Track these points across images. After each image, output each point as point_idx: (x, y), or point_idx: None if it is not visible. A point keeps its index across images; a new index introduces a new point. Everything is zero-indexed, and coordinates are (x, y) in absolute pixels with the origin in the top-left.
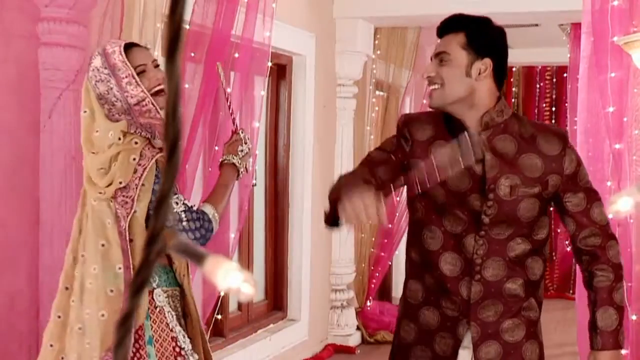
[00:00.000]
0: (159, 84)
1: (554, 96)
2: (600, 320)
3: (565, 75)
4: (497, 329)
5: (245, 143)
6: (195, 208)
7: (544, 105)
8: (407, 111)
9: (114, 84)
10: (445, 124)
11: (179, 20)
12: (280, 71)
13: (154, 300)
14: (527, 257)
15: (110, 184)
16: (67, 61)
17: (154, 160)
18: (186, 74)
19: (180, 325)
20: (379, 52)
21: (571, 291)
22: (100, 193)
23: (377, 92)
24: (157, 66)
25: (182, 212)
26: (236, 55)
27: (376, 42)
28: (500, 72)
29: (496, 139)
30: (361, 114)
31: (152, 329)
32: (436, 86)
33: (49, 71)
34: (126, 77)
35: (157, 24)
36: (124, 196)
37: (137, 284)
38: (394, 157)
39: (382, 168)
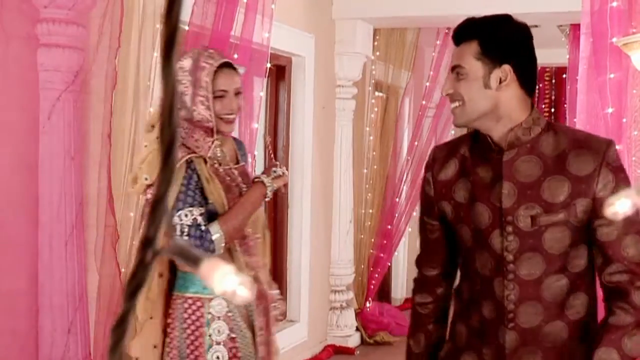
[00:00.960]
0: (231, 113)
1: (553, 97)
2: None
3: (564, 76)
4: None
5: (280, 168)
6: (203, 226)
7: (544, 106)
8: (406, 111)
9: (189, 94)
10: (474, 143)
11: (175, 22)
12: (280, 72)
13: (211, 309)
14: (568, 296)
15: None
16: (66, 62)
17: (183, 161)
18: None
19: (253, 333)
20: (378, 53)
21: None
22: (131, 189)
23: (377, 93)
24: (238, 94)
25: (187, 227)
26: (235, 56)
27: (375, 43)
28: (527, 76)
29: (520, 161)
30: (360, 115)
31: (210, 337)
32: (457, 104)
33: (49, 72)
34: (203, 96)
35: (157, 25)
36: (151, 194)
37: (132, 287)
38: (431, 220)
39: (436, 262)
